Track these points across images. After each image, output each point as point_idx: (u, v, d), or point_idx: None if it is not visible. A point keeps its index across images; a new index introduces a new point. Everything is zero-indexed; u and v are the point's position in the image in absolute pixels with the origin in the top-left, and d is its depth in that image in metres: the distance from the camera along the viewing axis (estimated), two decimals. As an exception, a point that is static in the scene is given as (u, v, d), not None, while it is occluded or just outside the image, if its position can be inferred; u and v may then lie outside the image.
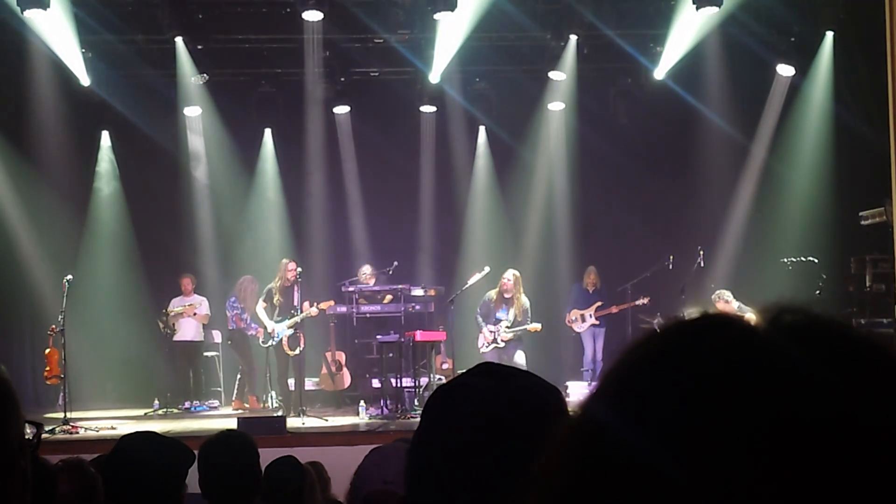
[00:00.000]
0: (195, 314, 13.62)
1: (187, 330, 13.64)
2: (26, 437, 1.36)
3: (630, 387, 0.71)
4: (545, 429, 1.36)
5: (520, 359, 12.41)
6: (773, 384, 0.65)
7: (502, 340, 12.55)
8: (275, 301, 12.71)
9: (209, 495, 3.78)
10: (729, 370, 0.67)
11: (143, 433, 3.49)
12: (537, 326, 12.60)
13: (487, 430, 1.36)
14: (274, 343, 12.68)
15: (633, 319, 13.41)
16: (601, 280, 14.17)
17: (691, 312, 0.74)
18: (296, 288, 12.54)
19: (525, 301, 12.69)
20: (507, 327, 12.56)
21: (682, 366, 0.68)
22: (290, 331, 12.54)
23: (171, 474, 3.25)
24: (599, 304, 13.89)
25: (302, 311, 12.53)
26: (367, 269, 13.83)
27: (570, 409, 1.43)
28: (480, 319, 12.81)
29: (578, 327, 14.02)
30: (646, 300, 13.02)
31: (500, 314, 12.65)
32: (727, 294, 12.16)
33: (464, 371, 1.50)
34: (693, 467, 0.64)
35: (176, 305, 13.68)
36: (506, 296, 12.61)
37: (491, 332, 12.61)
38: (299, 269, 12.56)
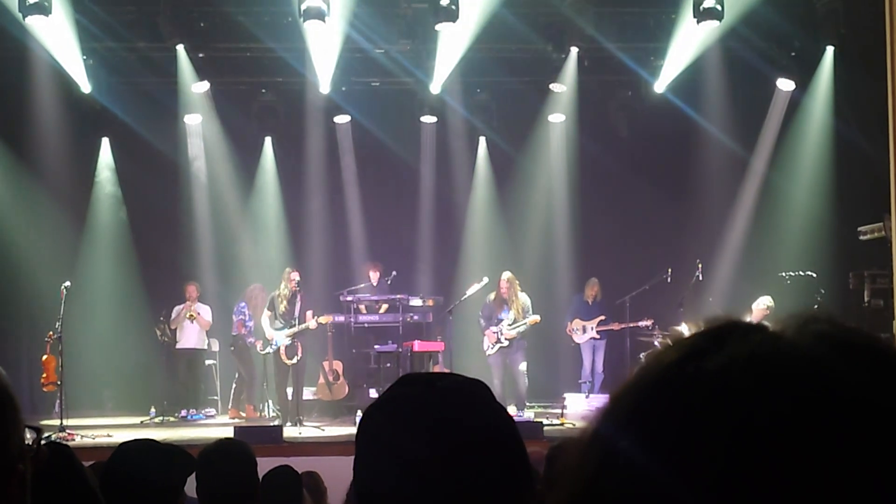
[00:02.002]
0: (198, 314, 13.58)
1: (191, 337, 13.64)
2: (26, 442, 1.36)
3: (648, 405, 0.69)
4: (479, 420, 1.37)
5: (522, 367, 12.46)
6: (807, 397, 0.64)
7: (506, 339, 12.58)
8: (281, 308, 12.72)
9: (206, 503, 3.77)
10: (762, 385, 0.65)
11: (142, 440, 3.48)
12: (536, 318, 12.64)
13: (426, 432, 1.39)
14: (272, 351, 12.69)
15: (631, 333, 13.40)
16: (602, 293, 14.19)
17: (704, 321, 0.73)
18: (298, 297, 12.58)
19: (523, 299, 12.74)
20: (509, 325, 12.60)
21: (705, 382, 0.67)
22: (288, 340, 12.54)
23: (168, 481, 3.23)
24: (603, 318, 13.90)
25: (304, 321, 12.56)
26: (369, 267, 13.95)
27: (498, 399, 1.49)
28: (483, 322, 12.85)
29: (578, 338, 14.04)
30: (649, 322, 12.99)
31: (501, 315, 12.70)
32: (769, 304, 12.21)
33: (390, 385, 1.54)
34: (712, 494, 0.63)
35: (176, 313, 13.68)
36: (504, 297, 12.68)
37: (494, 332, 12.65)
38: (289, 279, 12.61)
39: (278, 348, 12.62)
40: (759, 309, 12.18)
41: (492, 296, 12.85)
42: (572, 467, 0.71)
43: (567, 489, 0.71)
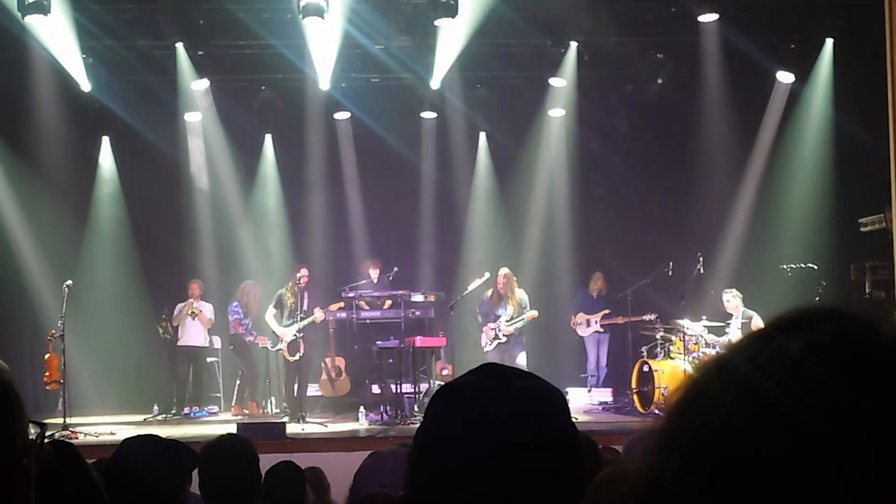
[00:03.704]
0: (200, 312, 13.58)
1: (193, 335, 13.64)
2: (30, 436, 1.37)
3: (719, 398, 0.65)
4: (544, 430, 1.36)
5: (521, 360, 12.47)
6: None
7: (504, 335, 12.61)
8: (289, 305, 12.75)
9: (209, 499, 3.78)
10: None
11: (146, 436, 3.49)
12: (534, 314, 12.69)
13: (486, 430, 1.36)
14: (282, 346, 12.71)
15: (633, 327, 13.41)
16: (607, 287, 14.23)
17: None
18: (306, 294, 12.64)
19: (521, 295, 12.79)
20: (507, 321, 12.63)
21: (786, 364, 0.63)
22: (298, 334, 12.57)
23: (172, 477, 3.24)
24: (607, 311, 13.94)
25: (311, 316, 12.62)
26: (369, 265, 14.01)
27: (571, 414, 1.44)
28: (480, 319, 12.89)
29: (583, 331, 14.08)
30: (653, 316, 13.00)
31: (499, 311, 12.74)
32: (734, 293, 12.25)
33: (466, 371, 1.50)
34: None
35: (178, 310, 13.69)
36: (501, 293, 12.70)
37: (492, 328, 12.68)
38: (298, 275, 12.64)
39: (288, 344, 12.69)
40: (732, 306, 12.18)
41: (489, 292, 12.87)
42: (621, 477, 0.69)
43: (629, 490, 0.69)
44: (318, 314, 12.69)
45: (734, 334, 11.86)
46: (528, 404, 1.39)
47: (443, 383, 11.14)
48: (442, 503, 1.38)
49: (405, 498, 1.43)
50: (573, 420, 1.44)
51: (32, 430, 1.38)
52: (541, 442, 1.36)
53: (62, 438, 9.33)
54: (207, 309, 13.75)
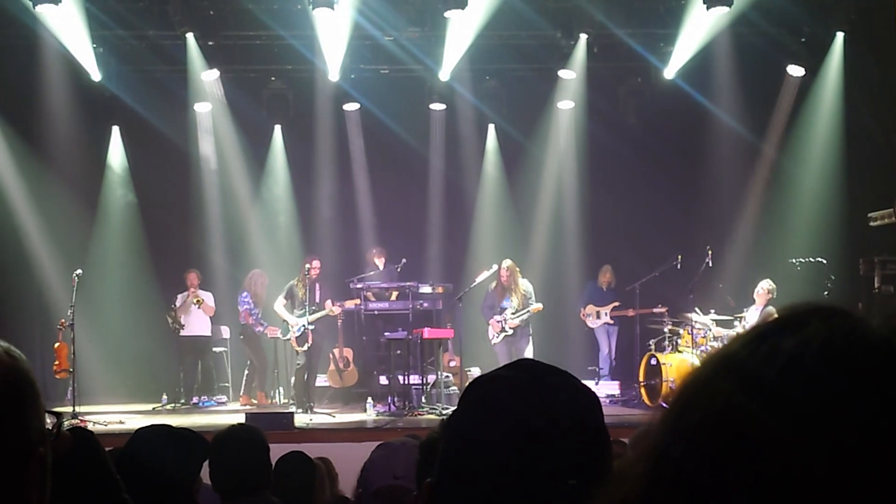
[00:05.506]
0: (203, 301, 13.58)
1: (196, 325, 13.66)
2: (46, 426, 1.39)
3: (714, 391, 0.66)
4: (571, 430, 1.36)
5: (528, 352, 12.48)
6: (875, 388, 0.61)
7: (510, 327, 12.62)
8: (300, 296, 12.76)
9: (219, 489, 3.80)
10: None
11: (159, 426, 3.50)
12: (539, 307, 12.69)
13: (512, 425, 1.36)
14: (291, 337, 12.74)
15: (641, 320, 13.40)
16: (616, 279, 14.24)
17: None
18: (318, 285, 12.66)
19: (525, 285, 12.80)
20: (512, 313, 12.64)
21: (777, 363, 0.64)
22: (312, 326, 12.60)
23: (185, 467, 3.26)
24: (617, 303, 13.94)
25: (324, 308, 12.65)
26: (374, 253, 14.02)
27: (603, 416, 1.43)
28: (485, 312, 12.90)
29: (592, 323, 14.10)
30: (663, 309, 12.99)
31: (504, 303, 12.74)
32: (770, 285, 12.24)
33: (503, 365, 1.49)
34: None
35: (181, 301, 13.71)
36: (505, 285, 12.72)
37: (498, 321, 12.69)
38: (306, 266, 12.68)
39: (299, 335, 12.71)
40: (761, 293, 12.19)
41: (493, 285, 12.88)
42: (627, 464, 0.70)
43: (621, 488, 0.69)
44: (334, 309, 12.72)
45: (751, 320, 11.88)
46: (557, 403, 1.39)
47: (450, 375, 11.17)
48: (467, 493, 1.38)
49: (432, 485, 1.44)
50: (604, 423, 1.43)
51: (49, 420, 1.40)
52: (566, 441, 1.35)
53: (81, 427, 9.38)
54: (208, 298, 13.77)
